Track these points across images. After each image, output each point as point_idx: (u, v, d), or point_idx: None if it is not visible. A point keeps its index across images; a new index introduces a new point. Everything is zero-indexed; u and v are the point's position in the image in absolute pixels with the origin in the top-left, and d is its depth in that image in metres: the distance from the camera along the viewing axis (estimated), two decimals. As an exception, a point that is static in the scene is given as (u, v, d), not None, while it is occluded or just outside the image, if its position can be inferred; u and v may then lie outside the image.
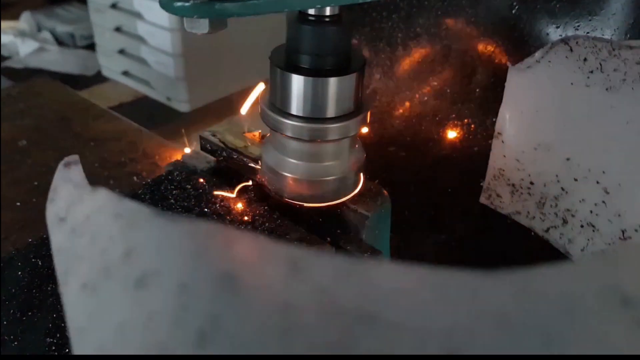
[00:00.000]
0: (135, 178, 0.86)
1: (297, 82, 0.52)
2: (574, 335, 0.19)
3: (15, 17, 2.54)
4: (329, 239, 0.57)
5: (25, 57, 2.31)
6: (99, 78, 2.27)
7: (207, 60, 2.02)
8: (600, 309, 0.20)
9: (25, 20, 2.50)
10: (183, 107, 2.06)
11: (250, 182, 0.62)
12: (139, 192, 0.61)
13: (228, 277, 0.21)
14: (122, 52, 2.15)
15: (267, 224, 0.57)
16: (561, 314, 0.19)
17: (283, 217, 0.58)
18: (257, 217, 0.57)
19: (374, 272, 0.21)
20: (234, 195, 0.60)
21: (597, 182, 0.54)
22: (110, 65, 2.24)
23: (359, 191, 0.61)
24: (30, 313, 0.51)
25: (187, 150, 0.76)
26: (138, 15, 2.01)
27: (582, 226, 0.57)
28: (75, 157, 0.35)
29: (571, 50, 0.51)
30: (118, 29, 2.12)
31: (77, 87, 1.62)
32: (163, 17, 1.91)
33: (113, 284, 0.24)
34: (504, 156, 0.60)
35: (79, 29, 2.43)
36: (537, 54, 0.54)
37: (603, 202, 0.54)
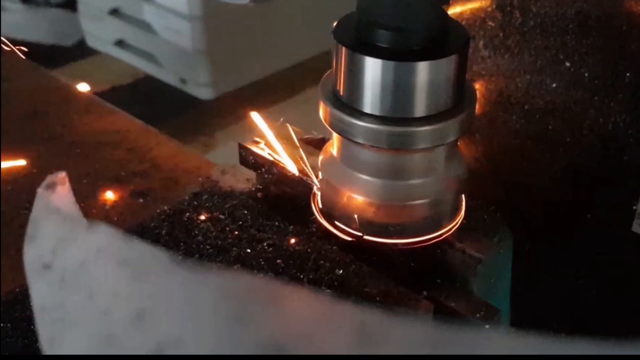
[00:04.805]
0: (141, 200, 0.88)
1: (373, 68, 0.53)
2: None
3: (-35, -34, 2.60)
4: (425, 292, 0.58)
5: (-21, 21, 2.37)
6: (81, 50, 2.29)
7: (237, 26, 2.01)
8: None
9: (-21, -29, 2.57)
10: (204, 93, 2.05)
11: (311, 210, 0.63)
12: (152, 224, 0.62)
13: (274, 349, 0.22)
14: (115, 13, 2.16)
15: (336, 271, 0.57)
16: None
17: (359, 261, 0.58)
18: (321, 261, 0.58)
19: (468, 344, 0.22)
20: (288, 228, 0.61)
21: None
22: (98, 32, 2.25)
23: (463, 222, 0.62)
24: None
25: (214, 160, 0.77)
26: (138, -39, 2.03)
27: None
28: (61, 175, 0.36)
29: None
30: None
31: (50, 64, 1.63)
32: (175, -35, 1.91)
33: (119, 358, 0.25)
34: (665, 169, 0.61)
35: (53, -19, 2.47)
36: None
37: None
